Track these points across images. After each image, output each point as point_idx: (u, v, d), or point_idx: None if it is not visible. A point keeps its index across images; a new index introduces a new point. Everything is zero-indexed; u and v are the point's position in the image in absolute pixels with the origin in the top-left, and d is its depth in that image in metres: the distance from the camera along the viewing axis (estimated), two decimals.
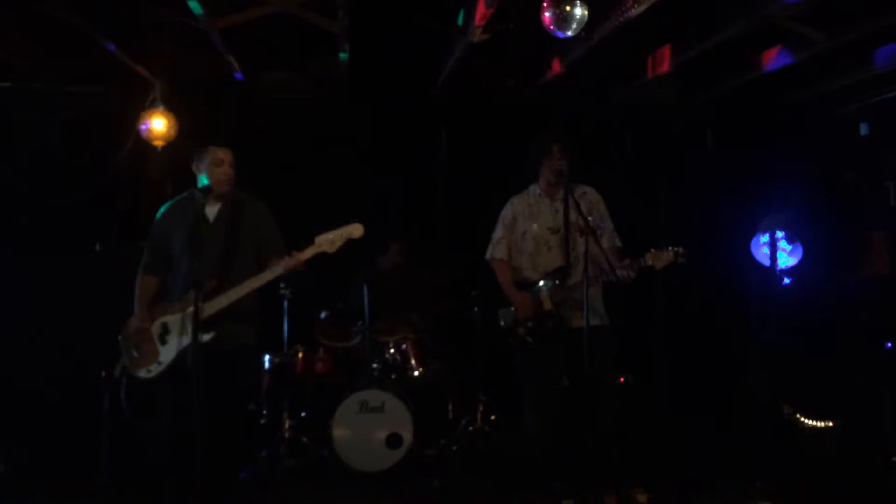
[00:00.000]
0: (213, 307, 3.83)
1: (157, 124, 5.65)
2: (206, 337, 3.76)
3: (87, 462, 4.89)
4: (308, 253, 3.92)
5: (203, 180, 4.03)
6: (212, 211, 4.07)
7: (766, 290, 6.47)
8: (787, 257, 6.44)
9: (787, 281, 6.42)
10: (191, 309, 3.75)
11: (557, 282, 4.32)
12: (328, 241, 3.92)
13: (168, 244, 4.08)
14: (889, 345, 5.60)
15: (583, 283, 4.03)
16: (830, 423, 5.67)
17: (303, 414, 5.44)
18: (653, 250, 4.15)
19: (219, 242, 3.98)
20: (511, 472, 4.77)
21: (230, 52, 5.14)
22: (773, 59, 5.38)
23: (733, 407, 6.14)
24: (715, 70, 5.95)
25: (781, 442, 5.59)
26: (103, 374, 4.79)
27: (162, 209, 4.17)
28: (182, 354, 3.89)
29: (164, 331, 3.95)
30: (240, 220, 4.04)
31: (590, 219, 4.17)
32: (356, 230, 3.95)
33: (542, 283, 4.37)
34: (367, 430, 4.91)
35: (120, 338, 4.03)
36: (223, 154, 4.02)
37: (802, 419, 5.78)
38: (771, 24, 4.70)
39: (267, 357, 5.44)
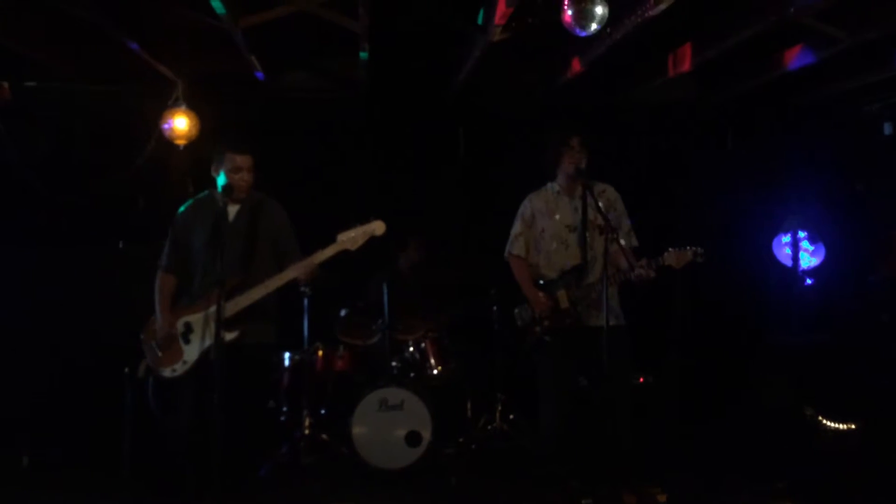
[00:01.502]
0: (235, 306, 3.87)
1: (180, 123, 5.70)
2: (229, 336, 3.80)
3: (109, 456, 4.94)
4: (330, 250, 3.95)
5: (222, 180, 4.07)
6: (231, 211, 4.11)
7: (788, 291, 6.42)
8: (810, 258, 6.39)
9: (809, 282, 6.38)
10: (213, 308, 3.80)
11: (574, 280, 4.31)
12: (350, 238, 3.95)
13: (188, 243, 4.13)
14: None
15: (601, 282, 4.02)
16: (853, 425, 5.62)
17: (322, 411, 5.46)
18: (671, 249, 4.14)
19: (238, 242, 4.03)
20: (529, 470, 4.77)
21: (252, 51, 5.17)
22: (795, 57, 5.34)
23: (754, 407, 6.11)
24: (736, 69, 5.91)
25: (803, 443, 5.55)
26: (126, 369, 4.83)
27: (181, 209, 4.21)
28: (206, 353, 3.93)
29: (188, 330, 3.99)
30: (259, 220, 4.09)
31: (608, 215, 4.16)
32: (378, 227, 3.97)
33: (559, 281, 4.37)
34: (387, 427, 4.92)
35: (142, 337, 4.07)
36: (241, 161, 4.06)
37: (824, 420, 5.73)
38: (792, 22, 4.67)
39: (287, 354, 5.48)
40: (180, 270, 4.14)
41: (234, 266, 3.95)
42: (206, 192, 4.21)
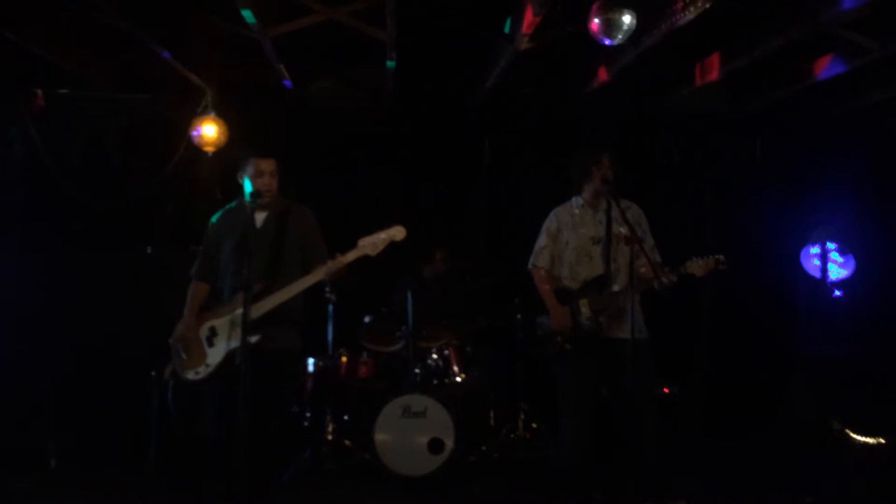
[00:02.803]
0: (259, 310, 3.90)
1: (209, 130, 5.77)
2: (252, 338, 3.83)
3: (135, 459, 5.00)
4: (351, 256, 3.97)
5: (248, 186, 4.12)
6: (259, 217, 4.14)
7: (816, 302, 6.34)
8: (839, 269, 6.31)
9: (837, 294, 6.29)
10: (238, 311, 3.85)
11: (596, 289, 4.30)
12: (371, 243, 3.96)
13: (218, 252, 4.17)
14: None
15: (625, 293, 4.01)
16: (881, 440, 5.53)
17: (345, 417, 5.49)
18: (694, 259, 4.11)
19: (266, 248, 4.06)
20: (551, 480, 4.75)
21: (280, 60, 5.23)
22: (826, 67, 5.29)
23: (780, 421, 6.03)
24: (765, 78, 5.86)
25: (830, 457, 5.47)
26: (153, 373, 4.89)
27: (214, 217, 4.26)
28: (229, 357, 3.96)
29: (212, 334, 4.03)
30: (286, 226, 4.11)
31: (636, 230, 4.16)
32: (399, 233, 3.98)
33: (581, 291, 4.36)
34: (410, 434, 4.93)
35: (171, 341, 4.12)
36: (265, 165, 4.08)
37: (852, 434, 5.65)
38: (823, 32, 4.63)
39: (311, 360, 5.51)
40: (212, 279, 4.19)
41: (261, 272, 3.98)
42: (237, 200, 4.26)
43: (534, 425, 5.60)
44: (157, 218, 6.12)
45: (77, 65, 5.48)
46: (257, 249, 3.98)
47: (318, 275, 3.96)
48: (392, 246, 4.15)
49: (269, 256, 4.05)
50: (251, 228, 4.04)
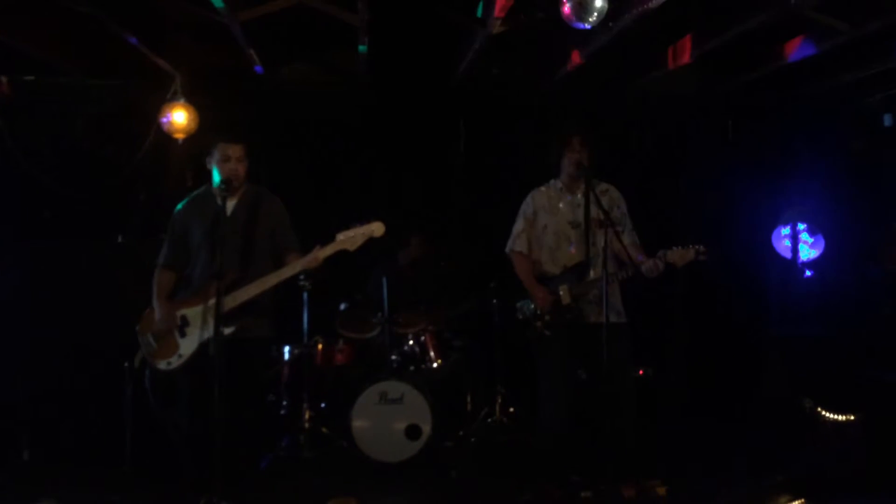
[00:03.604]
0: (233, 301, 3.87)
1: (178, 117, 5.68)
2: (227, 330, 3.81)
3: (110, 450, 4.95)
4: (329, 250, 3.95)
5: (216, 173, 4.07)
6: (229, 205, 4.10)
7: (788, 283, 6.42)
8: (809, 250, 6.39)
9: (808, 273, 6.37)
10: (211, 301, 3.83)
11: (576, 276, 4.32)
12: (349, 238, 3.95)
13: (186, 240, 4.13)
14: None
15: (602, 278, 4.03)
16: (852, 417, 5.62)
17: (322, 405, 5.48)
18: (674, 248, 4.14)
19: (236, 236, 4.03)
20: (529, 463, 4.78)
21: (250, 45, 5.16)
22: (796, 49, 5.32)
23: (753, 400, 6.11)
24: (736, 61, 5.89)
25: (802, 435, 5.55)
26: (126, 364, 4.84)
27: (180, 205, 4.21)
28: (202, 347, 3.93)
29: (184, 323, 3.99)
30: (256, 214, 4.08)
31: (610, 214, 4.17)
32: (377, 229, 3.98)
33: (561, 277, 4.37)
34: (387, 421, 4.93)
35: (137, 328, 4.07)
36: (231, 150, 4.04)
37: (824, 412, 5.74)
38: (793, 14, 4.65)
39: (287, 348, 5.49)
40: (179, 267, 4.15)
41: (232, 260, 3.95)
42: (204, 187, 4.21)
43: (511, 409, 5.63)
44: (128, 206, 6.03)
45: (43, 50, 5.37)
46: (228, 237, 3.95)
47: (295, 267, 3.95)
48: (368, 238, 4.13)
49: (240, 245, 4.01)
50: (221, 216, 4.00)
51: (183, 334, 3.98)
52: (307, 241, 4.07)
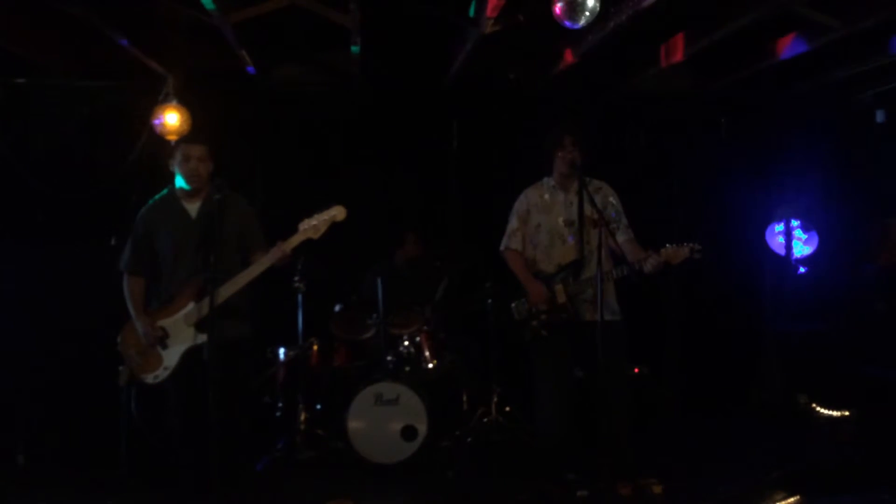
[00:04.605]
0: (205, 306, 3.83)
1: (171, 119, 5.65)
2: (201, 338, 3.80)
3: (105, 454, 4.94)
4: (294, 241, 3.91)
5: (179, 176, 4.03)
6: (193, 208, 4.06)
7: (782, 280, 6.44)
8: (803, 246, 6.41)
9: (802, 270, 6.39)
10: (187, 309, 3.87)
11: (571, 275, 4.32)
12: (312, 226, 3.91)
13: (151, 244, 4.05)
14: None
15: (596, 277, 4.03)
16: (846, 412, 5.65)
17: (318, 406, 5.47)
18: (668, 246, 4.14)
19: (203, 239, 3.95)
20: (525, 463, 4.79)
21: (242, 46, 5.14)
22: (788, 46, 5.34)
23: (748, 397, 6.14)
24: (729, 58, 5.90)
25: (797, 431, 5.58)
26: (120, 367, 4.82)
27: (143, 209, 4.14)
28: (186, 356, 3.91)
29: (164, 335, 3.94)
30: (222, 216, 3.95)
31: (604, 212, 4.17)
32: (339, 213, 3.93)
33: (556, 276, 4.37)
34: (383, 422, 4.92)
35: (119, 344, 4.02)
36: (193, 151, 3.99)
37: (818, 408, 5.77)
38: (785, 11, 4.66)
39: (282, 350, 5.48)
40: (146, 272, 4.07)
41: (200, 264, 3.91)
42: (166, 190, 4.16)
43: (507, 408, 5.62)
44: (121, 208, 6.00)
45: (35, 53, 5.35)
46: (193, 241, 3.92)
47: (264, 263, 3.90)
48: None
49: (207, 248, 3.90)
50: (185, 219, 3.97)
51: (164, 346, 3.93)
52: (276, 239, 4.03)
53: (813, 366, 5.99)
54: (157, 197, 4.15)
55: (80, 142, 6.03)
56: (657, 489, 4.27)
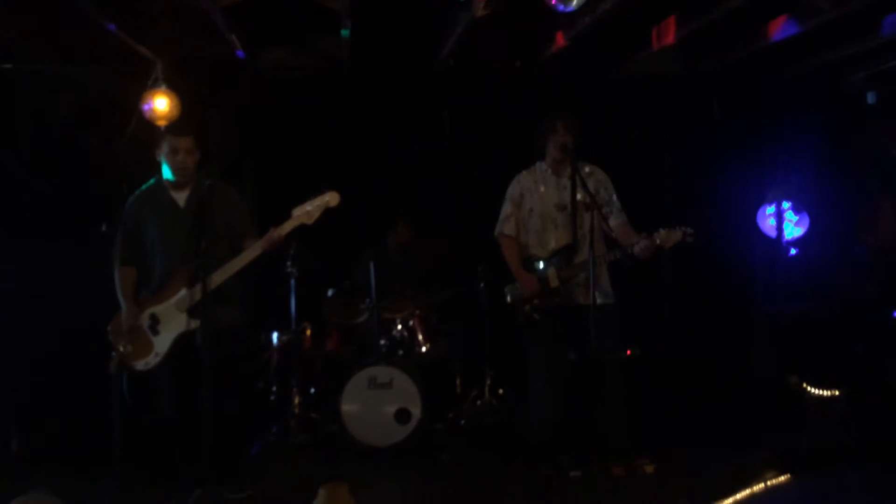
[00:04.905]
0: (197, 292, 3.82)
1: (160, 104, 5.62)
2: (194, 324, 3.80)
3: (99, 441, 4.93)
4: (287, 227, 3.92)
5: (165, 165, 4.02)
6: (181, 197, 4.06)
7: (773, 261, 6.46)
8: (794, 228, 6.43)
9: (793, 252, 6.42)
10: (179, 296, 3.87)
11: (564, 259, 4.33)
12: (305, 212, 3.92)
13: (140, 234, 4.06)
14: (895, 314, 5.61)
15: (589, 260, 4.04)
16: (836, 392, 5.70)
17: (312, 390, 5.49)
18: (662, 230, 4.15)
19: (192, 228, 3.96)
20: (519, 445, 4.81)
21: (232, 30, 5.11)
22: (780, 28, 5.33)
23: (740, 377, 6.17)
24: (720, 41, 5.89)
25: (788, 411, 5.62)
26: (113, 353, 4.81)
27: (130, 200, 4.14)
28: (177, 342, 3.91)
29: (154, 321, 3.95)
30: (210, 205, 3.96)
31: (596, 196, 4.19)
32: (332, 199, 3.94)
33: (549, 260, 4.38)
34: (376, 405, 4.94)
35: (109, 331, 4.02)
36: (180, 143, 3.99)
37: (809, 389, 5.81)
38: None
39: (275, 335, 5.49)
40: (137, 262, 4.08)
41: (190, 252, 3.91)
42: (154, 180, 4.15)
43: (500, 391, 5.65)
44: (111, 195, 5.97)
45: (20, 38, 5.29)
46: (183, 229, 3.92)
47: (256, 250, 3.91)
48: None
49: (196, 236, 3.92)
50: (174, 209, 3.96)
51: (156, 332, 3.94)
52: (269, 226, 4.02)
53: (804, 346, 6.03)
54: (144, 187, 4.16)
55: (68, 128, 5.98)
56: (649, 469, 4.31)
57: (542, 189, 4.48)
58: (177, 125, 4.05)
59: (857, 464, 4.33)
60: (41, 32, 5.47)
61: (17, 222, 5.77)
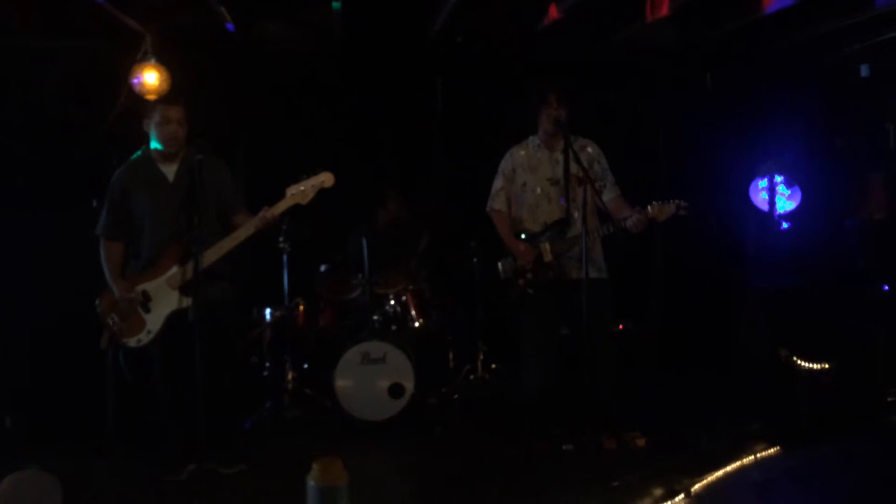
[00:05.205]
0: (189, 269, 3.80)
1: (150, 77, 5.55)
2: (185, 300, 3.79)
3: (92, 417, 4.94)
4: (281, 206, 3.90)
5: (154, 136, 3.96)
6: (170, 170, 4.01)
7: (765, 235, 6.48)
8: (786, 202, 6.43)
9: (785, 225, 6.43)
10: (170, 272, 3.86)
11: (557, 233, 4.33)
12: (300, 192, 3.90)
13: (128, 208, 4.01)
14: (886, 287, 5.63)
15: (582, 234, 4.04)
16: (826, 365, 5.73)
17: (305, 366, 5.50)
18: (655, 203, 4.15)
19: (182, 202, 3.93)
20: (511, 418, 4.85)
21: (221, 2, 5.04)
22: (774, 0, 5.29)
23: (730, 351, 6.21)
24: (714, 12, 5.84)
25: (778, 384, 5.66)
26: (104, 329, 4.80)
27: (117, 172, 4.08)
28: (171, 318, 3.90)
29: (146, 298, 3.92)
30: (202, 180, 3.91)
31: (590, 171, 4.17)
32: (327, 179, 3.92)
33: (542, 234, 4.38)
34: (370, 380, 4.96)
35: (98, 309, 4.00)
36: (171, 112, 3.93)
37: (799, 361, 5.85)
38: None
39: (268, 310, 5.49)
40: (124, 237, 4.05)
41: (181, 227, 3.88)
42: (140, 151, 4.09)
43: (493, 366, 5.68)
44: (101, 170, 5.92)
45: (7, 12, 5.21)
46: (173, 204, 3.88)
47: (249, 229, 3.89)
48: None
49: (187, 210, 3.89)
50: (163, 182, 3.93)
51: (147, 310, 3.92)
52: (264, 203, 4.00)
53: (794, 320, 6.06)
54: (131, 158, 4.10)
55: (57, 103, 5.90)
56: (640, 442, 4.35)
57: (535, 164, 4.46)
58: (168, 94, 3.97)
59: (844, 436, 4.38)
60: (26, 6, 5.39)
61: (7, 197, 5.73)
